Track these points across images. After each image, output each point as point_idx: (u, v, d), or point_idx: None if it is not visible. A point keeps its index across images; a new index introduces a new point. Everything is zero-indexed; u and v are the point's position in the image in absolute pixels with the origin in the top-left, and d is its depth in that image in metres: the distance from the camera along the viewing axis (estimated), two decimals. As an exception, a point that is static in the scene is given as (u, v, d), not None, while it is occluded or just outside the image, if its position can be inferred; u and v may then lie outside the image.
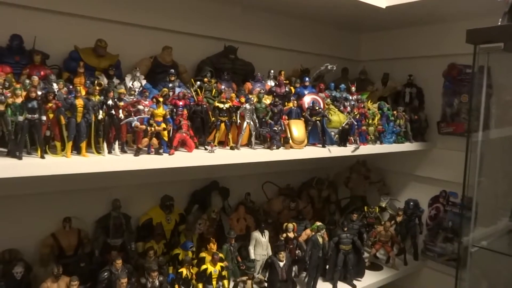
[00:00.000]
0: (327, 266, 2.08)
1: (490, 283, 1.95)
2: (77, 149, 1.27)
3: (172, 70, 1.73)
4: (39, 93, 1.22)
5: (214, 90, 1.73)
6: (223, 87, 1.85)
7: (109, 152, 1.31)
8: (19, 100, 1.19)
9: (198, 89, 1.70)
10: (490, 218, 2.00)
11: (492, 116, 1.94)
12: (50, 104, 1.21)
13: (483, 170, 1.92)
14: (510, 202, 1.96)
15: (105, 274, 1.54)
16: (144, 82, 1.69)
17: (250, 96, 1.77)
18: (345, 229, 2.07)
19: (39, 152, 1.19)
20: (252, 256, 1.97)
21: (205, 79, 1.79)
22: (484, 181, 1.91)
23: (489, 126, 1.92)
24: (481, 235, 1.88)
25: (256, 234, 2.00)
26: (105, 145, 1.30)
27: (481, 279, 1.90)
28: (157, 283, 1.58)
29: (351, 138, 1.99)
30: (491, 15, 1.60)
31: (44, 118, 1.20)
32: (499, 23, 1.50)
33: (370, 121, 2.12)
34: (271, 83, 2.03)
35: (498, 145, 1.93)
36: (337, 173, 2.78)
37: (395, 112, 2.25)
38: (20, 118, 1.17)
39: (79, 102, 1.23)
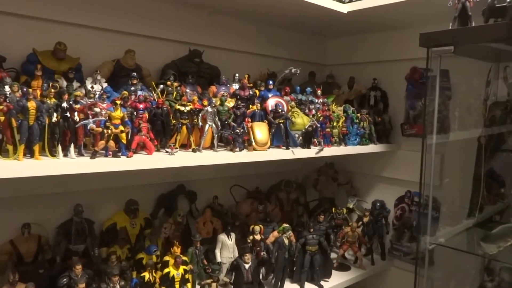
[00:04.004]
0: (295, 268, 2.10)
1: (448, 278, 2.00)
2: (30, 153, 1.25)
3: (134, 74, 1.72)
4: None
5: (175, 93, 1.73)
6: (187, 90, 1.86)
7: (65, 155, 1.30)
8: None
9: (159, 92, 1.70)
10: (450, 216, 2.06)
11: (449, 117, 2.02)
12: (0, 107, 1.19)
13: (443, 170, 1.99)
14: (468, 201, 2.03)
15: (64, 280, 1.52)
16: (105, 85, 1.67)
17: (213, 99, 1.78)
18: (311, 230, 2.09)
19: (-11, 155, 1.17)
20: (219, 259, 1.97)
21: (168, 82, 1.79)
22: (443, 181, 1.98)
23: (448, 128, 1.99)
24: (442, 233, 1.94)
25: (222, 236, 2.00)
26: (59, 148, 1.28)
27: (439, 275, 1.95)
28: (118, 288, 1.57)
29: (315, 140, 2.02)
30: (448, 20, 1.64)
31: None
32: (450, 27, 1.55)
33: (334, 124, 2.16)
34: (236, 86, 2.05)
35: (455, 146, 2.00)
36: (305, 175, 2.81)
37: (359, 114, 2.29)
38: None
39: (31, 105, 1.21)
